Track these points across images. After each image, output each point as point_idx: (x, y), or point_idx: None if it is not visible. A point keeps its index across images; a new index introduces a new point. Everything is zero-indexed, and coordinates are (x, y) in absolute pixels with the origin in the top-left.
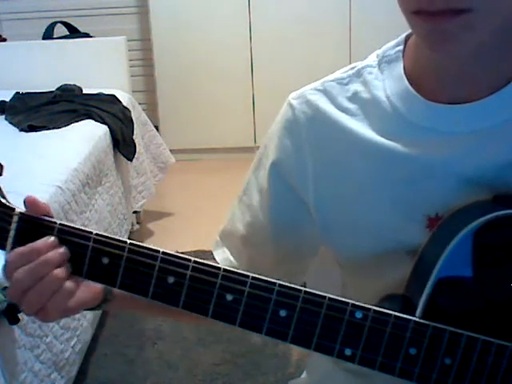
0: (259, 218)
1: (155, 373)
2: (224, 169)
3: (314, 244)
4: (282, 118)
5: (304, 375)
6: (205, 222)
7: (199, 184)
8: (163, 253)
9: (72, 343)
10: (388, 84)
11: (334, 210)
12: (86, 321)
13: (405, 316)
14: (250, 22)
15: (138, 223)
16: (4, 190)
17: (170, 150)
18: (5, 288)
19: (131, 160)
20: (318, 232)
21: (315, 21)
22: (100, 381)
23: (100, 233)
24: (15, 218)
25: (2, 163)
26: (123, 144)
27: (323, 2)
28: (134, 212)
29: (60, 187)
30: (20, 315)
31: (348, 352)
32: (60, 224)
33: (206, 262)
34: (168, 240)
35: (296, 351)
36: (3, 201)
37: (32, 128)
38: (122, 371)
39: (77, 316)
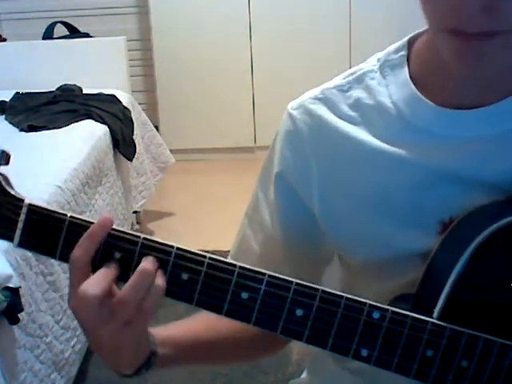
0: (271, 233)
1: (155, 373)
2: (224, 169)
3: (328, 252)
4: (282, 129)
5: (304, 375)
6: (205, 222)
7: (199, 184)
8: (178, 248)
9: (72, 343)
10: (393, 90)
11: (341, 220)
12: None
13: (422, 317)
14: (250, 22)
15: (137, 223)
16: (11, 180)
17: (170, 150)
18: (5, 288)
19: (131, 160)
20: (328, 240)
21: (315, 21)
22: (100, 381)
23: (113, 227)
24: (24, 210)
25: (9, 152)
26: (123, 144)
27: (323, 1)
28: (134, 212)
29: (60, 187)
30: (20, 315)
31: (364, 353)
32: (70, 216)
33: (221, 258)
34: (168, 240)
35: (296, 351)
36: (11, 191)
37: (32, 128)
38: None
39: None
